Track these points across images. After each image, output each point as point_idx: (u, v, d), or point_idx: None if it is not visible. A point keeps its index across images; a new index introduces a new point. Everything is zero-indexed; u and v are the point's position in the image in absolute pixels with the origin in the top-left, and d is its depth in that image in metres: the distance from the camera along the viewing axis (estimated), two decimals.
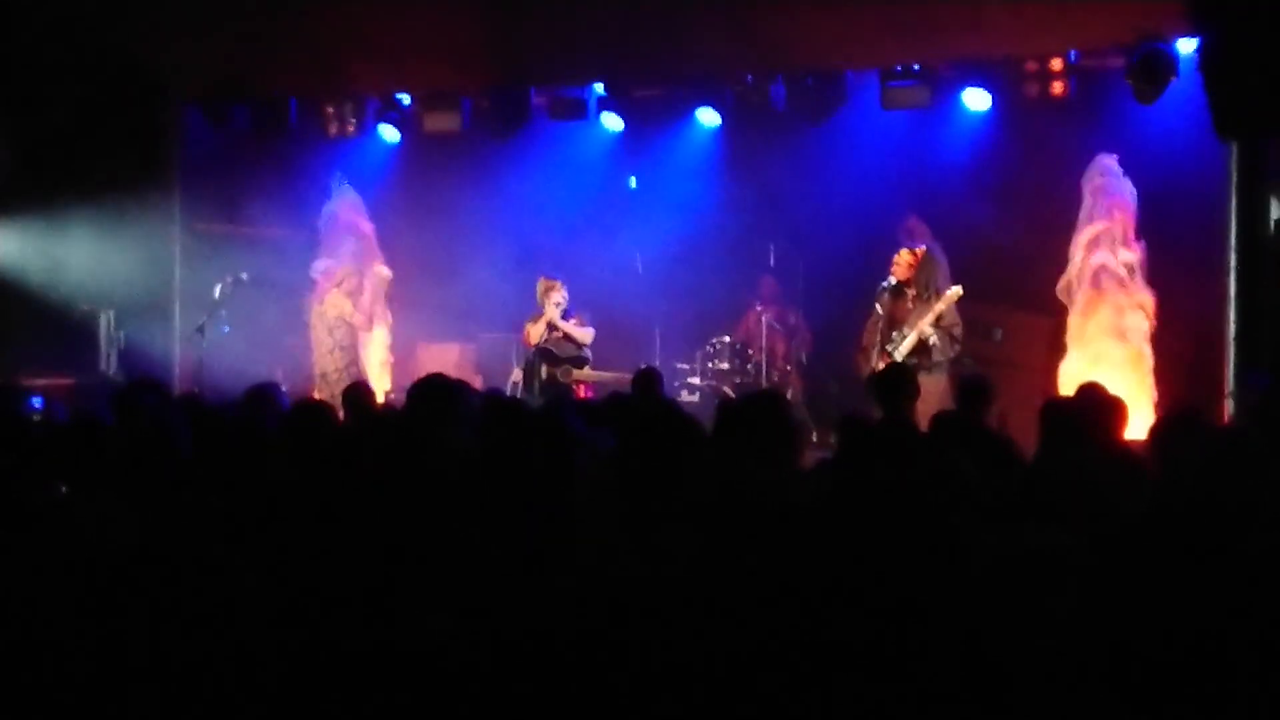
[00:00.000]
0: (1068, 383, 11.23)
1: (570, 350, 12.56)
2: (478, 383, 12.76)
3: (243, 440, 5.65)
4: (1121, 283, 11.94)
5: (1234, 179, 10.91)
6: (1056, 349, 12.25)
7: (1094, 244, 11.97)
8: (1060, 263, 12.21)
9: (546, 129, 13.67)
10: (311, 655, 3.34)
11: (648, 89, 13.29)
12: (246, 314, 13.26)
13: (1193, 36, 10.85)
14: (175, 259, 13.99)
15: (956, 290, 11.17)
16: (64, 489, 4.93)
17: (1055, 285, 12.22)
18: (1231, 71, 10.05)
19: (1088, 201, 12.04)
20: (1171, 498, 3.97)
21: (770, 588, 3.18)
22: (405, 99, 13.91)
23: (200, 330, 12.58)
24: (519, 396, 11.83)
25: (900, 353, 11.00)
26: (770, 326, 13.71)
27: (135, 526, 4.22)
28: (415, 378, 6.36)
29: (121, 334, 13.33)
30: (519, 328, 12.93)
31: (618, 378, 12.06)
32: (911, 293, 11.32)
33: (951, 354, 11.17)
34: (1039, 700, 2.97)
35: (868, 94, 12.44)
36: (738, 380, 13.39)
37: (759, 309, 13.87)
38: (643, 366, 10.27)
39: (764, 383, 13.28)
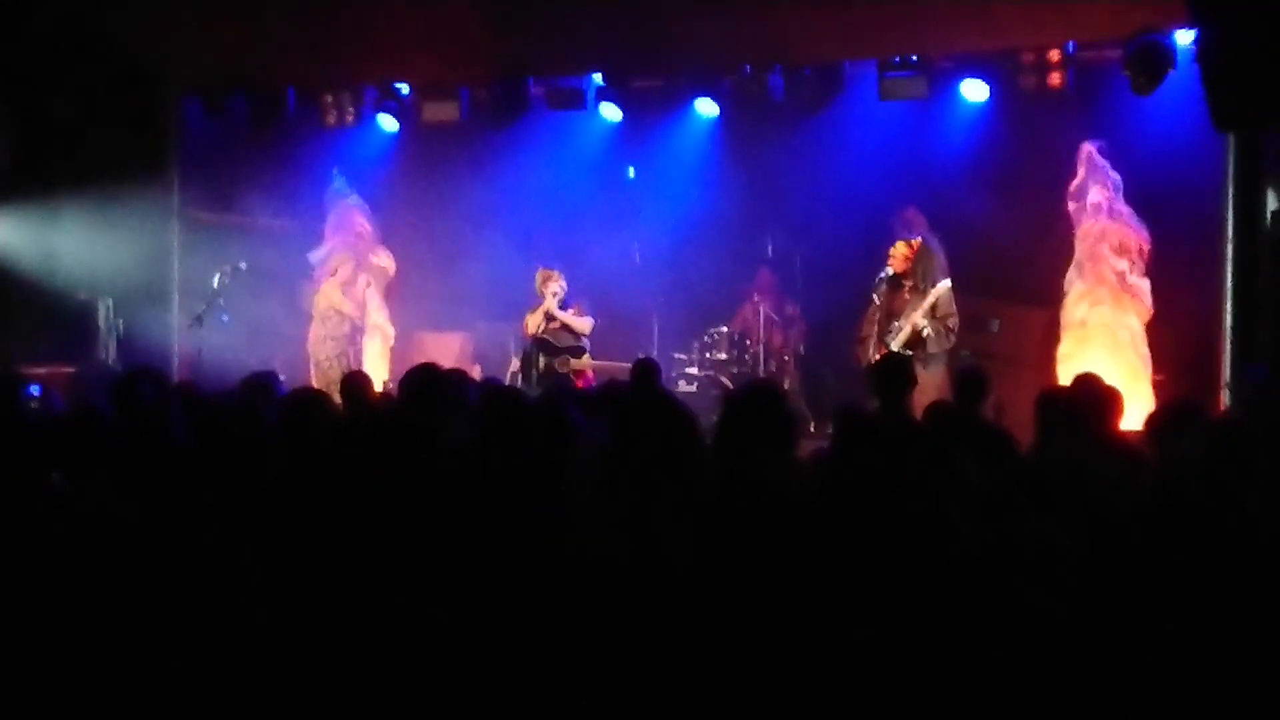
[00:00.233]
0: (1065, 374, 11.25)
1: (568, 340, 12.56)
2: (476, 372, 12.80)
3: (239, 429, 5.66)
4: (1120, 276, 11.97)
5: (1231, 171, 10.92)
6: (1053, 341, 12.27)
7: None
8: (1058, 255, 12.24)
9: (545, 119, 13.67)
10: (307, 645, 3.35)
11: (646, 79, 13.30)
12: (245, 303, 13.27)
13: (1190, 28, 10.84)
14: (174, 248, 14.00)
15: (945, 284, 11.17)
16: (60, 478, 4.94)
17: (1052, 276, 12.25)
18: (1229, 63, 10.03)
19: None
20: (1170, 489, 3.99)
21: (767, 578, 3.20)
22: (404, 89, 13.91)
23: (199, 319, 12.59)
24: (517, 386, 11.84)
25: (895, 345, 11.02)
26: (768, 317, 13.72)
27: (133, 515, 4.24)
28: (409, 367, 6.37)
29: (120, 322, 13.34)
30: (518, 317, 12.94)
31: (616, 367, 12.07)
32: (908, 284, 11.33)
33: (947, 346, 11.18)
34: (1035, 690, 2.98)
35: (865, 85, 12.44)
36: (735, 371, 13.40)
37: (756, 300, 13.87)
38: (641, 357, 10.28)
39: (761, 373, 13.29)
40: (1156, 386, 11.66)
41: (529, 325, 12.61)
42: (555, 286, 12.50)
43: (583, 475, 4.11)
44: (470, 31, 12.48)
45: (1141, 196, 12.02)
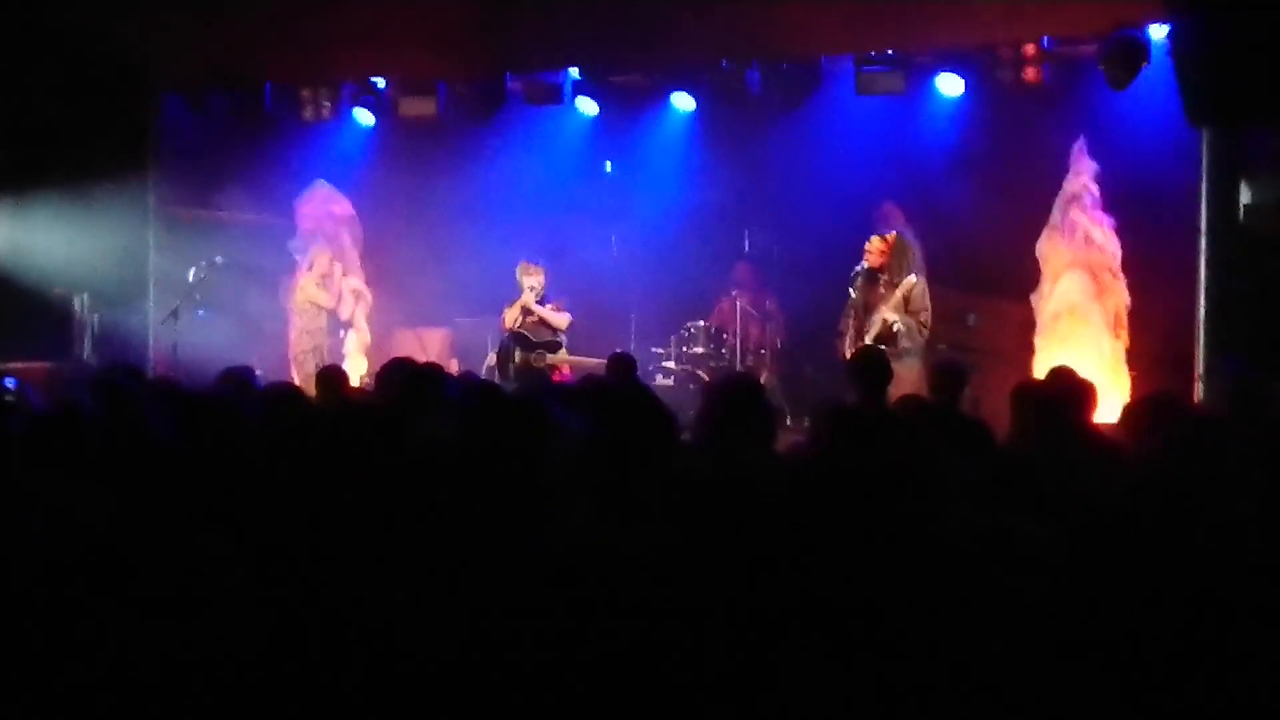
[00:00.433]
0: (1041, 368, 11.30)
1: (545, 335, 12.55)
2: (455, 367, 12.80)
3: (217, 424, 5.66)
4: (1096, 269, 12.04)
5: (1205, 164, 10.98)
6: (1030, 334, 12.32)
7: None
8: (1034, 248, 12.31)
9: (522, 113, 13.68)
10: (286, 640, 3.36)
11: (623, 74, 13.32)
12: (222, 298, 13.24)
13: (1165, 23, 10.91)
14: (150, 243, 13.94)
15: (910, 280, 11.19)
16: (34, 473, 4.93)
17: (1028, 270, 12.31)
18: (1203, 58, 10.09)
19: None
20: (1145, 482, 4.01)
21: (746, 571, 3.21)
22: (381, 83, 13.89)
23: (174, 314, 12.55)
24: (493, 380, 11.84)
25: (868, 339, 11.05)
26: (745, 311, 13.74)
27: (113, 510, 4.23)
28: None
29: (96, 318, 13.29)
30: (497, 312, 12.93)
31: (592, 364, 12.08)
32: (884, 278, 11.37)
33: (921, 340, 11.21)
34: (1015, 683, 3.00)
35: (843, 80, 12.49)
36: (712, 365, 13.42)
37: (734, 294, 13.89)
38: (618, 351, 10.30)
39: (739, 367, 13.31)
40: (1132, 379, 11.72)
41: (506, 319, 12.60)
42: (533, 281, 12.48)
43: (560, 468, 4.12)
44: (447, 26, 12.47)
45: (1117, 190, 12.08)
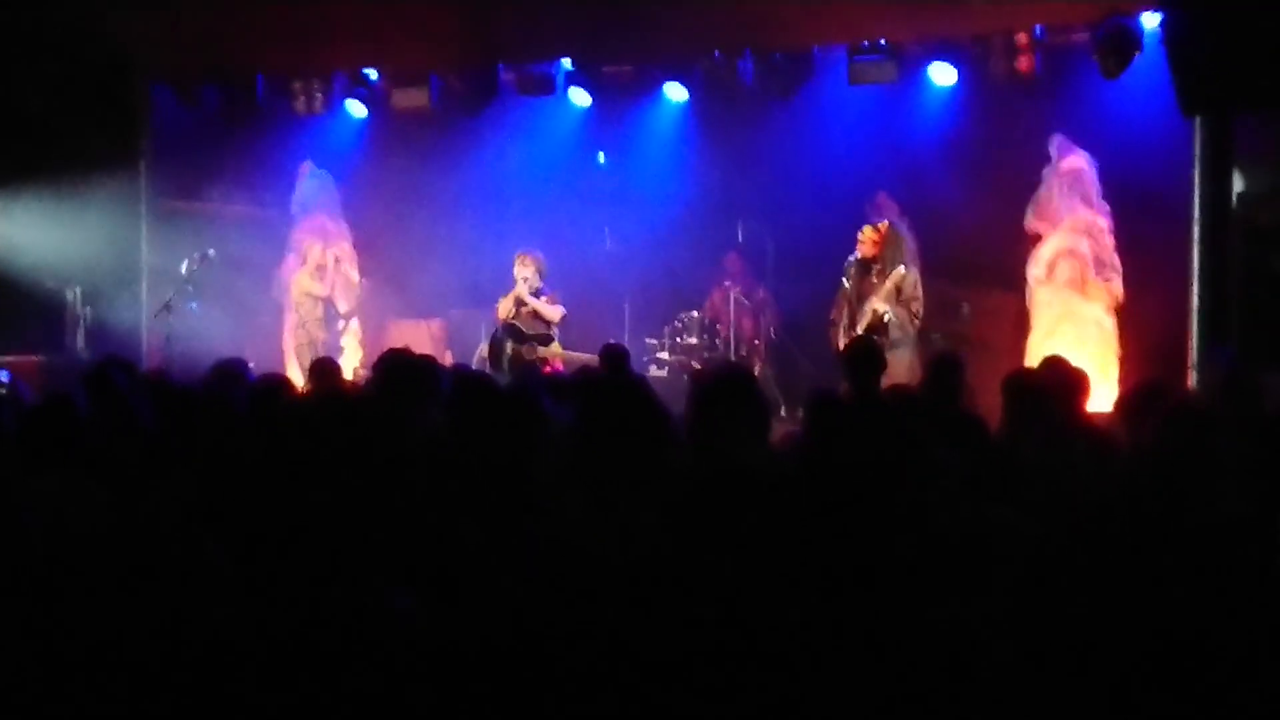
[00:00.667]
0: (1034, 358, 11.29)
1: (539, 328, 12.53)
2: (448, 359, 12.78)
3: (208, 416, 5.66)
4: (1089, 260, 12.04)
5: (1198, 153, 10.98)
6: (1023, 325, 12.32)
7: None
8: (1028, 239, 12.31)
9: (515, 105, 13.65)
10: (277, 633, 3.36)
11: (616, 64, 13.29)
12: (215, 291, 13.21)
13: (1157, 11, 10.90)
14: (142, 236, 13.92)
15: (900, 271, 11.18)
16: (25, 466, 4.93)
17: (1023, 260, 12.30)
18: (1195, 46, 10.09)
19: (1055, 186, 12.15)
20: (1138, 471, 4.01)
21: (738, 562, 3.21)
22: (373, 75, 13.87)
23: (167, 307, 12.52)
24: (485, 372, 11.82)
25: (859, 330, 11.04)
26: (738, 302, 13.74)
27: (105, 503, 4.24)
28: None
29: (88, 311, 13.27)
30: (490, 303, 12.92)
31: (584, 358, 12.05)
32: (876, 269, 11.35)
33: (912, 331, 11.20)
34: (1005, 675, 3.01)
35: (835, 70, 12.46)
36: (706, 355, 13.42)
37: (727, 285, 13.89)
38: (610, 342, 10.29)
39: (732, 358, 13.31)
40: (1125, 369, 11.72)
41: (500, 310, 12.59)
42: (526, 272, 12.45)
43: (552, 459, 4.12)
44: (440, 17, 12.46)
45: (1110, 179, 12.07)
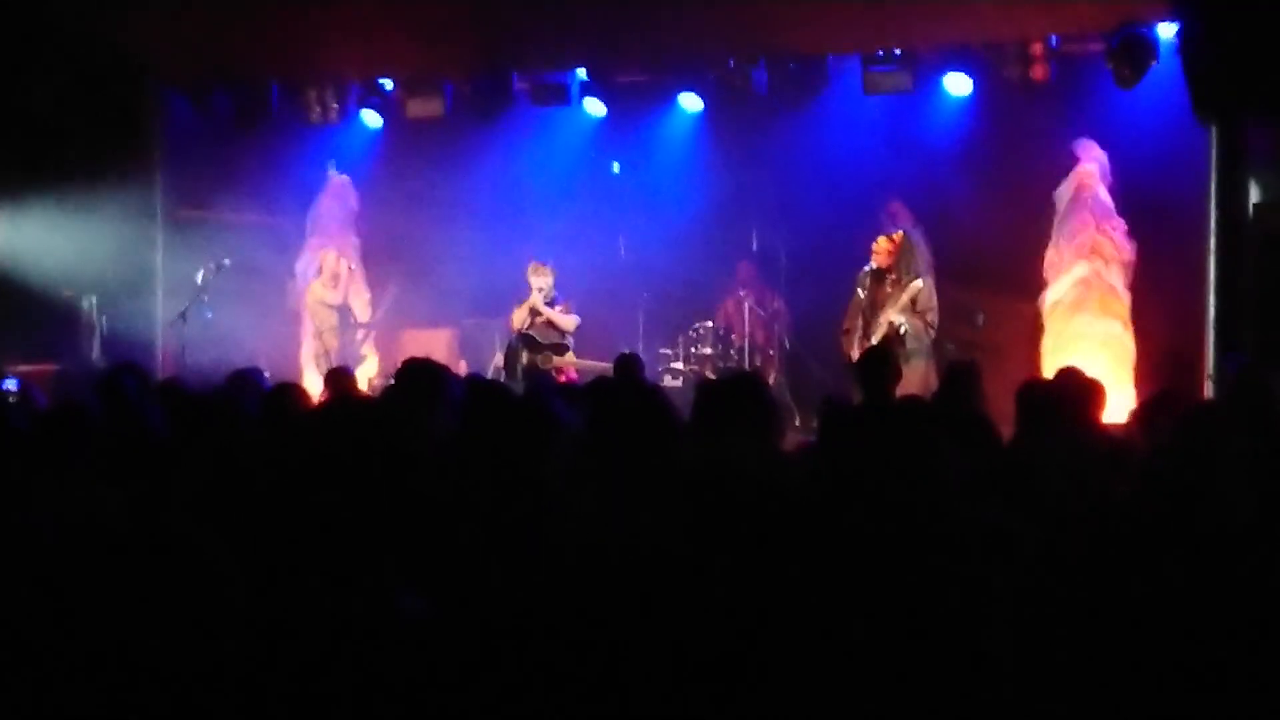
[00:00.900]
0: (1050, 367, 11.27)
1: (553, 337, 12.53)
2: (462, 368, 12.79)
3: (224, 424, 5.66)
4: (1104, 269, 12.04)
5: (1213, 162, 10.95)
6: (1038, 333, 12.30)
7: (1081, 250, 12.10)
8: (1042, 247, 12.30)
9: (529, 114, 13.67)
10: (288, 636, 3.35)
11: (630, 74, 13.31)
12: (230, 300, 13.23)
13: (1173, 21, 10.89)
14: (157, 244, 13.95)
15: (917, 284, 11.17)
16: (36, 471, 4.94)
17: (1036, 269, 12.30)
18: (1211, 55, 10.09)
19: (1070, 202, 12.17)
20: (1154, 477, 3.99)
21: (743, 566, 3.21)
22: (388, 84, 13.91)
23: (183, 316, 12.55)
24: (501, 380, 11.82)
25: (874, 340, 11.01)
26: (752, 311, 13.73)
27: (118, 509, 4.24)
28: (399, 362, 6.38)
29: (104, 319, 13.31)
30: (503, 312, 12.93)
31: (599, 367, 12.06)
32: (891, 278, 11.33)
33: (928, 340, 11.19)
34: (1009, 679, 2.99)
35: (850, 79, 12.47)
36: (720, 365, 13.41)
37: (740, 294, 13.88)
38: (625, 352, 10.29)
39: (747, 367, 13.30)
40: (1141, 378, 11.70)
41: (514, 320, 12.58)
42: (541, 282, 12.45)
43: (562, 464, 4.11)
44: (454, 27, 12.47)
45: (1125, 188, 12.07)
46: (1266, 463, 3.99)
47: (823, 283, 12.70)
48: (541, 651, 3.18)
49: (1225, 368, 10.00)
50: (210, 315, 12.93)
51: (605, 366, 10.77)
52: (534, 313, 12.46)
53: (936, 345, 11.35)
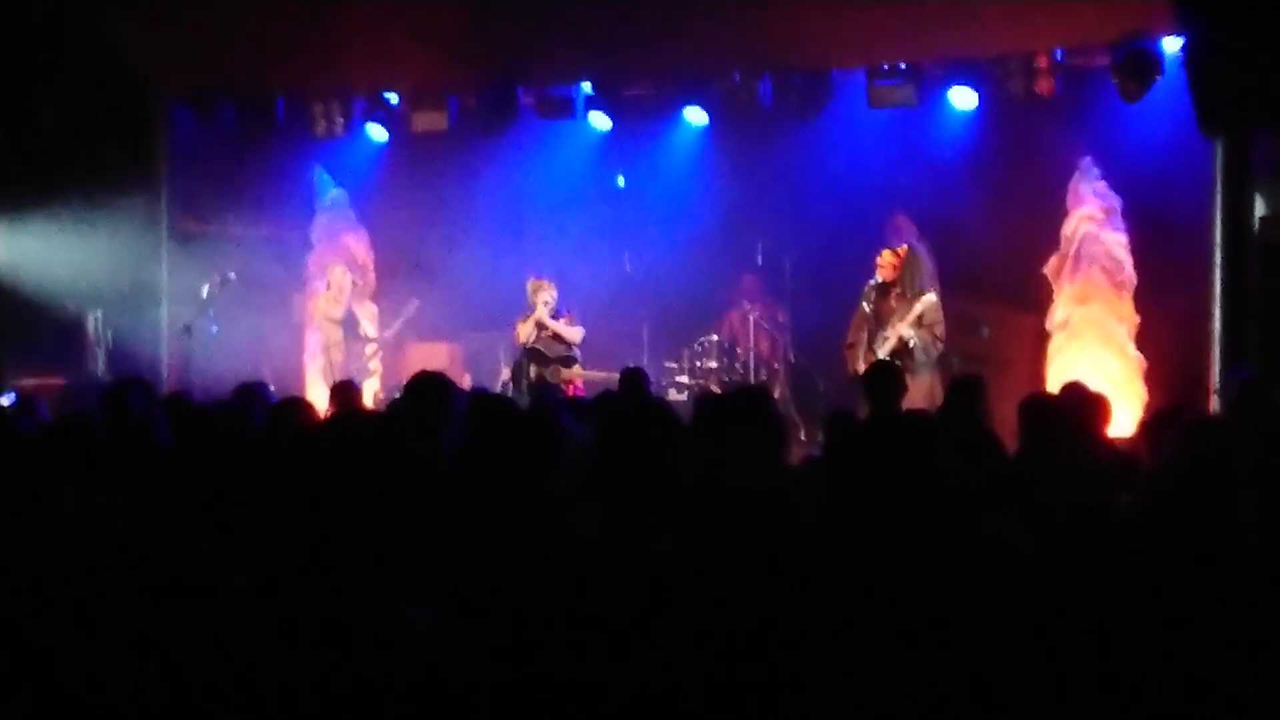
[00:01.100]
0: (1054, 381, 11.27)
1: (560, 350, 12.53)
2: (466, 381, 12.79)
3: (229, 437, 5.67)
4: (1109, 274, 12.04)
5: (1219, 176, 10.95)
6: (1043, 345, 12.30)
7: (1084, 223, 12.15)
8: (1047, 260, 12.31)
9: (534, 128, 13.68)
10: (293, 649, 3.35)
11: (635, 88, 13.32)
12: (235, 314, 13.23)
13: (1178, 35, 10.89)
14: (162, 257, 13.95)
15: (930, 297, 11.18)
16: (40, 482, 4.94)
17: (1042, 282, 12.32)
18: (1216, 69, 10.09)
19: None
20: (1160, 490, 3.99)
21: (749, 580, 3.20)
22: (393, 98, 13.92)
23: (188, 329, 12.55)
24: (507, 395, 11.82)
25: (882, 353, 11.01)
26: (757, 324, 13.73)
27: (120, 518, 4.24)
28: (404, 377, 6.39)
29: (109, 332, 13.32)
30: (508, 326, 12.93)
31: (607, 377, 12.06)
32: (896, 291, 11.34)
33: (935, 354, 11.19)
34: (1015, 696, 2.99)
35: (855, 92, 12.47)
36: (726, 378, 13.40)
37: (745, 307, 13.89)
38: (630, 365, 10.29)
39: (751, 380, 13.29)
40: (1146, 393, 11.69)
41: (520, 334, 12.59)
42: (546, 295, 12.47)
43: (568, 478, 4.11)
44: (459, 40, 12.49)
45: (1130, 202, 12.07)
46: (1272, 476, 3.98)
47: (828, 296, 12.70)
48: (545, 665, 3.17)
49: (1230, 381, 9.99)
50: (215, 329, 12.93)
51: (613, 377, 10.79)
52: (540, 326, 12.46)
53: (942, 358, 11.35)
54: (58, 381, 12.39)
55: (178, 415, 6.23)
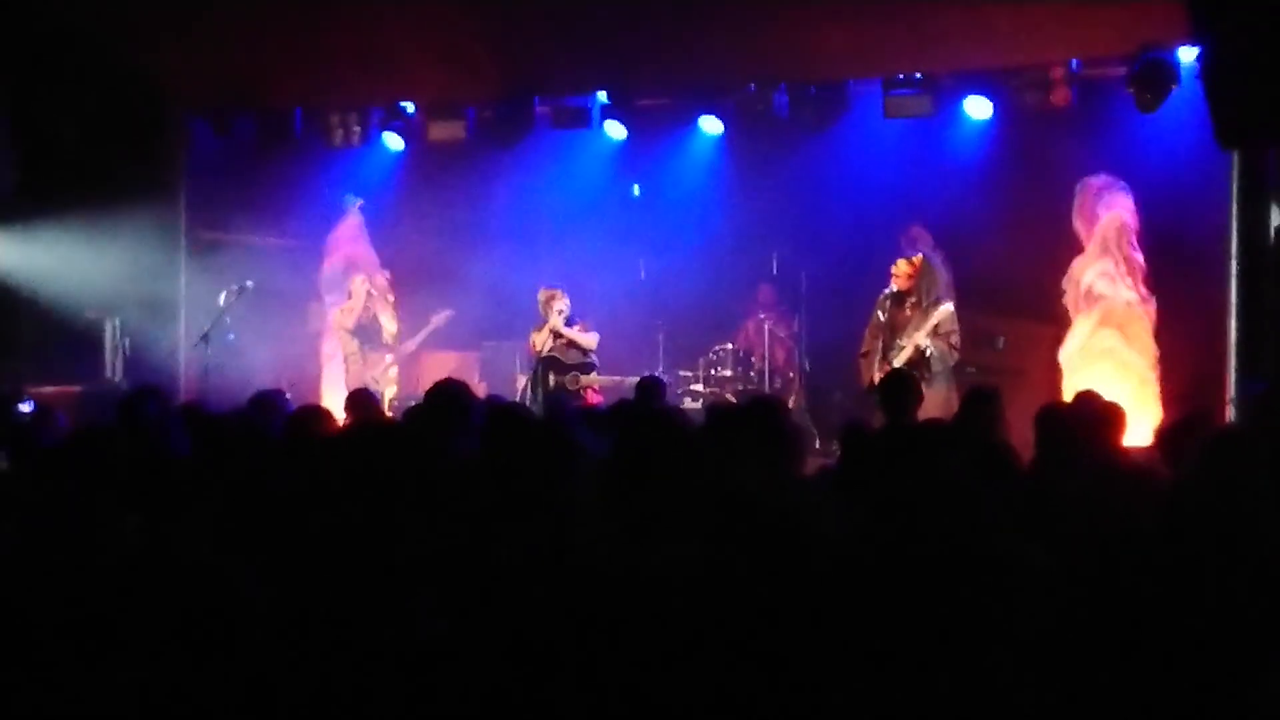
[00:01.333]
0: (1070, 392, 11.25)
1: (577, 357, 12.55)
2: (482, 390, 12.80)
3: (246, 446, 5.69)
4: (1125, 293, 12.05)
5: (1235, 187, 10.92)
6: (1058, 356, 12.29)
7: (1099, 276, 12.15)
8: (1063, 271, 12.31)
9: (550, 137, 13.70)
10: (309, 657, 3.36)
11: (651, 98, 13.33)
12: (252, 323, 13.27)
13: (1194, 45, 10.87)
14: (180, 267, 14.01)
15: (948, 307, 11.17)
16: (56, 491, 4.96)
17: (1057, 293, 12.30)
18: (1232, 80, 10.05)
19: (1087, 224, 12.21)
20: (1181, 502, 3.98)
21: (765, 590, 3.21)
22: (409, 108, 13.96)
23: (205, 338, 12.58)
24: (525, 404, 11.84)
25: (898, 363, 11.01)
26: (772, 334, 13.74)
27: (136, 528, 4.26)
28: (420, 386, 6.41)
29: (127, 342, 13.36)
30: (523, 335, 12.96)
31: (624, 383, 12.09)
32: (911, 301, 11.34)
33: (951, 363, 11.18)
34: (1033, 712, 2.98)
35: (870, 103, 12.47)
36: (741, 388, 13.41)
37: (761, 316, 13.90)
38: (646, 375, 10.30)
39: (766, 389, 13.30)
40: (1162, 404, 11.67)
41: (535, 343, 12.61)
42: (560, 304, 12.49)
43: (584, 489, 4.12)
44: (476, 51, 12.52)
45: (1146, 213, 12.05)
46: None
47: (843, 306, 12.70)
48: (561, 675, 3.18)
49: (1247, 393, 9.97)
50: (232, 338, 12.97)
51: (630, 380, 10.81)
52: (555, 334, 12.48)
53: (957, 368, 11.34)
54: (75, 390, 12.41)
55: (194, 424, 6.25)
